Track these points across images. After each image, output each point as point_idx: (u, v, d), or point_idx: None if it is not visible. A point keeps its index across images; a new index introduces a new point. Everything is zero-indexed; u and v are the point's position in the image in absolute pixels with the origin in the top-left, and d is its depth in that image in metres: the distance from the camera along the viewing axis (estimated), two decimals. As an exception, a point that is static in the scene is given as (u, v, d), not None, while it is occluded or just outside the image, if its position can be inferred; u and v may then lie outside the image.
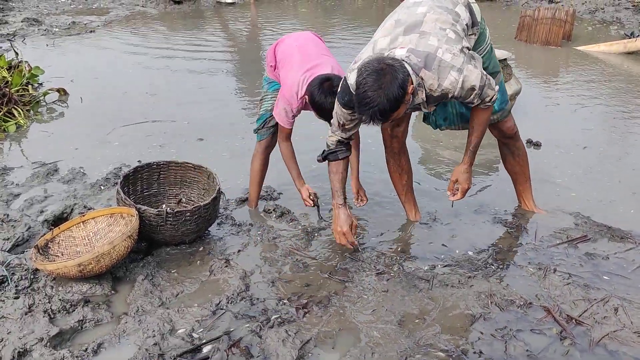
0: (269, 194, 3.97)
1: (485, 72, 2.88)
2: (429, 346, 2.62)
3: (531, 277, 3.13)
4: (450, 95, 2.81)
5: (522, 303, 2.90)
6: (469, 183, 3.14)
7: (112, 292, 2.96)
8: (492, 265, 3.23)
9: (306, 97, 3.17)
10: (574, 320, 2.79)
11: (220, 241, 3.43)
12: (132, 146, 4.74)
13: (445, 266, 3.21)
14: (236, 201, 3.89)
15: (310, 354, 2.59)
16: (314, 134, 4.35)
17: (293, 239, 3.47)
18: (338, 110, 2.95)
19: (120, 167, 4.33)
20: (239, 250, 3.34)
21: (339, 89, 2.93)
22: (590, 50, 8.15)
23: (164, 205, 3.51)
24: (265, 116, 3.50)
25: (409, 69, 2.68)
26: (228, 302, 2.89)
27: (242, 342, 2.63)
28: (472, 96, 2.84)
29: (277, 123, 3.43)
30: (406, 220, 3.70)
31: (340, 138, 3.06)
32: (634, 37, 8.34)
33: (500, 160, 3.74)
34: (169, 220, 3.15)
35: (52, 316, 2.73)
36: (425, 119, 3.45)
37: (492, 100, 2.91)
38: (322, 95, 3.05)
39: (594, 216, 3.73)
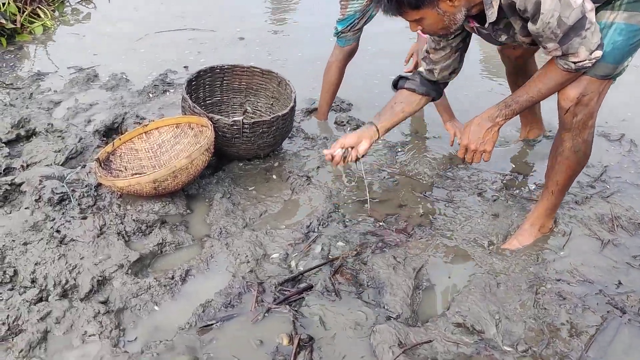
0: (337, 105, 3.56)
1: (590, 14, 1.91)
2: (560, 274, 2.31)
3: (653, 197, 2.80)
4: (517, 8, 1.93)
5: (651, 227, 2.58)
6: (477, 144, 2.21)
7: (188, 211, 2.62)
8: (607, 184, 2.89)
9: None
10: None
11: (295, 156, 3.05)
12: (169, 51, 4.28)
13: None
14: (302, 112, 3.49)
15: (425, 283, 2.29)
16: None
17: (376, 154, 3.10)
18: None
19: (166, 73, 3.91)
20: (318, 167, 2.98)
21: None
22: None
23: (232, 115, 3.12)
24: (354, 17, 3.01)
25: None
26: (319, 224, 2.56)
27: (346, 269, 2.31)
28: (541, 25, 1.91)
29: (363, 27, 3.02)
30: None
31: (423, 69, 2.43)
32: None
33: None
34: (245, 132, 2.76)
35: (127, 239, 2.40)
36: None
37: (580, 62, 1.98)
38: None
39: None
